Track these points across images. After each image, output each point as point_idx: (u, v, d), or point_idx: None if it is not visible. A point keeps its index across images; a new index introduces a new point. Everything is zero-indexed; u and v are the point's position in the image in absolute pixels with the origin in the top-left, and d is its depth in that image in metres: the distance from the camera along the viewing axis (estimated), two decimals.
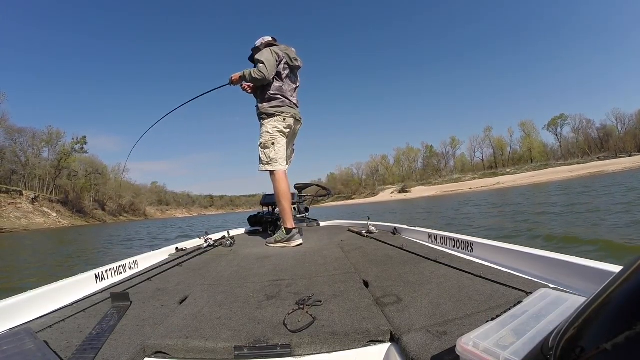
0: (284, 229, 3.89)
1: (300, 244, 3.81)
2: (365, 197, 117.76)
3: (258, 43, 4.43)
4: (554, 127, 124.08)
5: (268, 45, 4.37)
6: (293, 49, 4.40)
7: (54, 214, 78.89)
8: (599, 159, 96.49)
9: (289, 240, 3.81)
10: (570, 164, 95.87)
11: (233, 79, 4.23)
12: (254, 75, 4.02)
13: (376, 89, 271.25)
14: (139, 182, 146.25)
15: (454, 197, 50.69)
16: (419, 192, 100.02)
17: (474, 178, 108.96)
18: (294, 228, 3.92)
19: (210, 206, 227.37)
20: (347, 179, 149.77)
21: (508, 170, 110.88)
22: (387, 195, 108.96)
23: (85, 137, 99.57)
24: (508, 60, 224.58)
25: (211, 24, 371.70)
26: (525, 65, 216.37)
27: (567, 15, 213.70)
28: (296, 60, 4.37)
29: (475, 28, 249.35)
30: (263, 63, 4.03)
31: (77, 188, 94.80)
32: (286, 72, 4.27)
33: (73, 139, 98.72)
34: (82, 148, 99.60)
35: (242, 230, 5.37)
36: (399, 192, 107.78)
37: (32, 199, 77.94)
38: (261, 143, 4.09)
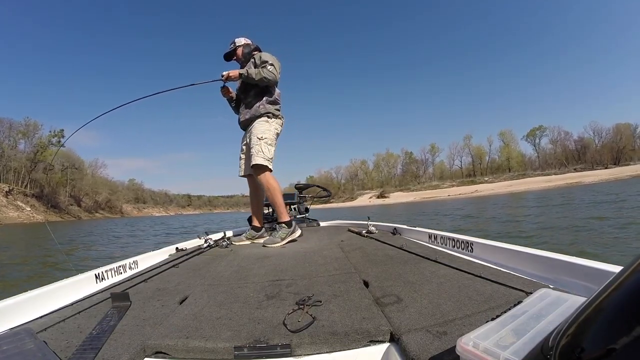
0: (284, 224, 3.97)
1: (301, 234, 4.10)
2: (343, 202, 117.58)
3: (243, 42, 4.45)
4: (533, 138, 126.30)
5: (257, 49, 4.46)
6: None
7: (28, 209, 77.37)
8: (575, 170, 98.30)
9: (292, 232, 3.95)
10: (548, 174, 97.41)
11: (231, 75, 4.09)
12: (264, 75, 4.02)
13: (357, 94, 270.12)
14: (116, 178, 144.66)
15: (431, 204, 51.17)
16: (397, 197, 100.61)
17: (452, 185, 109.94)
18: (292, 219, 4.08)
19: (188, 205, 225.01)
20: (326, 182, 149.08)
21: (486, 178, 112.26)
22: (366, 200, 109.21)
23: (62, 130, 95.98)
24: (490, 70, 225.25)
25: (204, 24, 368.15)
26: (506, 76, 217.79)
27: (549, 27, 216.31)
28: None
29: (458, 36, 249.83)
30: (273, 65, 4.08)
31: (53, 182, 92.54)
32: None
33: (50, 131, 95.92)
34: (59, 141, 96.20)
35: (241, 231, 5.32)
36: (378, 197, 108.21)
37: (6, 192, 76.63)
38: (266, 138, 4.10)
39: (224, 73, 4.09)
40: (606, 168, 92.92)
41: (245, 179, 4.58)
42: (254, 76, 4.03)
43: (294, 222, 4.08)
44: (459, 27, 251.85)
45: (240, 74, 4.09)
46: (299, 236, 4.01)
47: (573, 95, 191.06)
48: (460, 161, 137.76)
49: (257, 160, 4.04)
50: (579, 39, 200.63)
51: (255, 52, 4.39)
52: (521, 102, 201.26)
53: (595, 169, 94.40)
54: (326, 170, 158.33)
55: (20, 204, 77.23)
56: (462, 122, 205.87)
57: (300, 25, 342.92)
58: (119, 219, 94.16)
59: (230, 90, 4.39)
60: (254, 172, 4.17)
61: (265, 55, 4.19)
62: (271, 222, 5.01)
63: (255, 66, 4.18)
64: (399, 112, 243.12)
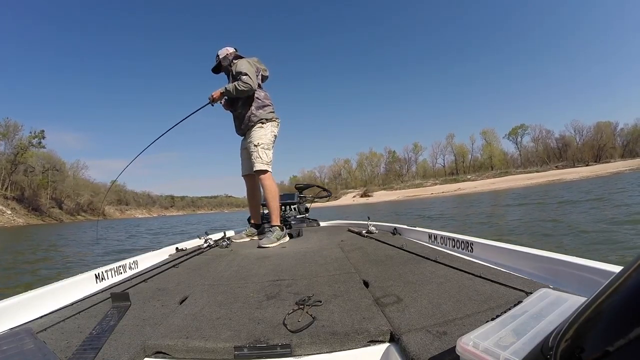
0: (278, 227, 4.12)
1: (300, 234, 4.41)
2: (327, 201, 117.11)
3: (223, 54, 4.59)
4: (515, 137, 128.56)
5: (237, 57, 4.58)
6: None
7: (9, 212, 75.73)
8: (557, 167, 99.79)
9: (284, 236, 4.11)
10: (530, 172, 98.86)
11: (214, 96, 4.34)
12: (240, 88, 4.19)
13: (340, 94, 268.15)
14: (98, 180, 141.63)
15: (414, 202, 51.42)
16: (380, 196, 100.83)
17: (436, 184, 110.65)
18: (282, 225, 4.29)
19: (171, 207, 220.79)
20: (309, 182, 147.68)
21: (469, 176, 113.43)
22: (349, 199, 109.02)
23: (43, 131, 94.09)
24: (473, 69, 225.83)
25: (186, 23, 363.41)
26: (488, 75, 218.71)
27: (530, 27, 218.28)
28: (265, 70, 4.64)
29: (439, 37, 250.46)
30: (247, 74, 4.21)
31: (34, 185, 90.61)
32: (259, 81, 4.49)
33: (31, 132, 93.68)
34: (40, 142, 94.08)
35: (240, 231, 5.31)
36: (361, 196, 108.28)
37: None
38: (263, 144, 4.32)
39: (209, 97, 4.37)
40: (587, 165, 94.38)
41: (244, 178, 4.79)
42: (232, 91, 4.23)
43: (284, 228, 4.27)
44: (441, 27, 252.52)
45: (222, 93, 4.33)
46: (287, 240, 4.12)
47: (554, 94, 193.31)
48: (443, 159, 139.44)
49: (257, 166, 4.31)
50: (560, 38, 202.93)
51: (235, 61, 4.51)
52: (503, 102, 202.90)
53: (577, 167, 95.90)
54: (309, 170, 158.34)
55: (1, 207, 75.56)
56: (444, 121, 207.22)
57: (281, 27, 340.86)
58: (101, 221, 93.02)
59: (223, 100, 4.54)
60: (258, 175, 4.39)
61: (240, 65, 4.32)
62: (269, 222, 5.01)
63: (234, 78, 4.35)
64: (382, 111, 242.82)
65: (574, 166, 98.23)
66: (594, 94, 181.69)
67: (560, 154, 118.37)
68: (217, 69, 4.68)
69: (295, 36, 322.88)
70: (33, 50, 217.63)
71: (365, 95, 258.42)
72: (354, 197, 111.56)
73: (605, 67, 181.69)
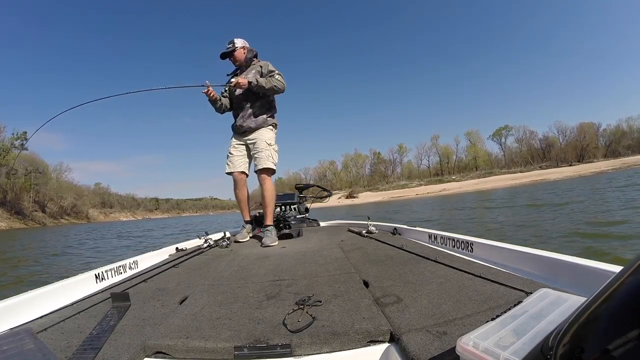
0: (273, 226, 4.22)
1: (300, 235, 4.44)
2: (327, 201, 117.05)
3: (242, 44, 4.48)
4: (499, 137, 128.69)
5: (256, 56, 4.57)
6: None
7: None
8: (540, 167, 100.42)
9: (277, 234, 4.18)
10: (513, 172, 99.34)
11: (241, 82, 4.16)
12: (274, 84, 4.22)
13: (325, 95, 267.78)
14: (82, 182, 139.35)
15: (399, 203, 51.70)
16: (366, 197, 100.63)
17: (421, 184, 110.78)
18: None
19: (156, 209, 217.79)
20: (295, 184, 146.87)
21: (453, 177, 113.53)
22: (335, 200, 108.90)
23: (25, 132, 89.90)
24: (457, 71, 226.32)
25: (178, 22, 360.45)
26: (472, 77, 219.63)
27: (515, 29, 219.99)
28: None
29: (425, 39, 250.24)
30: (280, 74, 4.28)
31: (16, 187, 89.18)
32: None
33: (13, 134, 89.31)
34: (23, 144, 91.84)
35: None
36: (347, 198, 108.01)
37: None
38: (273, 145, 4.43)
39: (233, 80, 4.22)
40: (570, 165, 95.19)
41: (233, 175, 4.55)
42: (264, 85, 4.18)
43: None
44: (426, 30, 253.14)
45: (250, 83, 4.19)
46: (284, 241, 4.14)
47: (538, 95, 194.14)
48: (428, 161, 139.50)
49: (268, 164, 4.34)
50: (544, 40, 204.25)
51: (255, 60, 4.52)
52: (487, 103, 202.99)
53: (560, 167, 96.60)
54: (295, 172, 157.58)
55: None
56: (429, 123, 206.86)
57: (270, 26, 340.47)
58: (85, 224, 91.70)
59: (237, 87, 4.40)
60: (262, 173, 4.38)
61: (271, 65, 4.37)
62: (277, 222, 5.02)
63: (261, 75, 4.32)
64: (367, 113, 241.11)
65: (557, 166, 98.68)
66: (577, 95, 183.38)
67: (544, 154, 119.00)
68: (225, 56, 4.48)
69: (288, 37, 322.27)
70: (8, 49, 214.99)
71: (350, 97, 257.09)
72: (339, 198, 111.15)
73: (589, 69, 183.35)
